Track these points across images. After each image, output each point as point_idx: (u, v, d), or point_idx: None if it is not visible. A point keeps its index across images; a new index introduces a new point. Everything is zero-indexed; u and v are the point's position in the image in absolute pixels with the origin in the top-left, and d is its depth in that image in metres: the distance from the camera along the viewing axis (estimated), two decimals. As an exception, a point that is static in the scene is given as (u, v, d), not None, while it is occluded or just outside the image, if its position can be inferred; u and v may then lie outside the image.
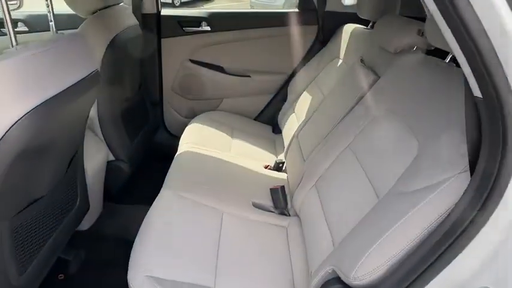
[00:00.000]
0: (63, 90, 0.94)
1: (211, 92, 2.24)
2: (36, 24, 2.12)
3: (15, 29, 2.05)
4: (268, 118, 2.27)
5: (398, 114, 1.04)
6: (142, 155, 1.98)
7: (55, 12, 1.94)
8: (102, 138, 1.59)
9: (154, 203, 1.28)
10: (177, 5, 10.64)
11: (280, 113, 2.10)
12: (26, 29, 2.13)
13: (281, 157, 1.82)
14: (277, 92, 2.24)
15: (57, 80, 0.93)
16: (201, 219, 1.25)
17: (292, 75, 2.17)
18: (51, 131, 0.94)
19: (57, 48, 0.94)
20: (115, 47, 1.54)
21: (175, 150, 1.82)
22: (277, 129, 2.15)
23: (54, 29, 1.08)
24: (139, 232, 1.16)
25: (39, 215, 1.02)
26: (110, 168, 1.65)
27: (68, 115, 1.01)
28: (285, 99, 2.19)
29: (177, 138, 2.32)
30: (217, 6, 12.19)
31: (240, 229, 1.27)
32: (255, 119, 2.29)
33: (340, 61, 1.76)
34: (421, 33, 1.22)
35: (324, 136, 1.35)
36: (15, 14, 2.14)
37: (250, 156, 1.75)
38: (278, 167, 1.70)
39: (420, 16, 1.37)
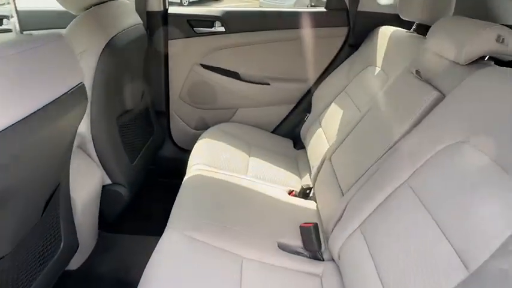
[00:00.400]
0: (34, 112, 0.69)
1: (225, 100, 1.99)
2: (24, 22, 1.88)
3: (0, 27, 1.82)
4: (288, 131, 2.01)
5: (483, 148, 0.78)
6: (144, 175, 1.73)
7: (49, 9, 1.69)
8: (97, 159, 1.34)
9: (157, 246, 1.02)
10: (185, 4, 10.44)
11: (303, 126, 1.84)
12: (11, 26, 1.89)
13: (306, 179, 1.56)
14: (299, 101, 1.98)
15: (26, 98, 0.68)
16: (216, 268, 1.00)
17: (317, 83, 1.91)
18: (16, 169, 0.69)
19: (27, 54, 0.69)
20: (113, 50, 1.29)
21: (184, 165, 1.57)
22: (299, 144, 1.89)
23: (18, 28, 0.83)
24: (140, 283, 0.92)
25: (2, 278, 0.77)
26: (106, 193, 1.39)
27: (43, 144, 0.76)
28: (308, 111, 1.93)
29: (185, 151, 2.07)
30: (227, 7, 11.94)
31: (265, 279, 1.02)
32: (272, 132, 2.03)
33: (378, 69, 1.49)
34: (501, 39, 0.95)
35: (368, 164, 1.08)
36: (1, 10, 1.91)
37: (271, 179, 1.49)
38: (305, 193, 1.43)
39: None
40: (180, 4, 10.35)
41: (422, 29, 1.48)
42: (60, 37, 0.81)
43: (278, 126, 2.04)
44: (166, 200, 1.91)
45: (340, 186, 1.18)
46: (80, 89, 0.86)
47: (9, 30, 1.90)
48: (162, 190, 2.00)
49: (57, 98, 0.77)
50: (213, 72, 1.94)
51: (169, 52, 1.87)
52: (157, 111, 1.95)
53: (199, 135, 1.96)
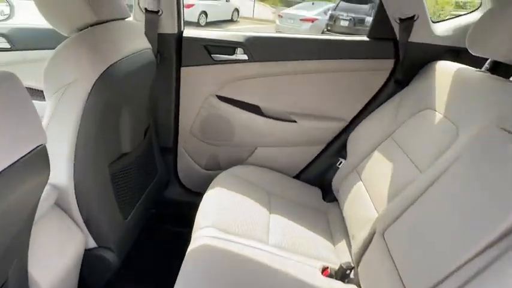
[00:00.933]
0: None
1: (242, 138, 1.70)
2: (21, 40, 1.65)
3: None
4: (316, 177, 1.70)
5: None
6: (142, 227, 1.43)
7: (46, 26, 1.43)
8: (79, 218, 1.05)
9: None
10: (202, 24, 10.42)
11: (336, 175, 1.53)
12: (7, 45, 1.65)
13: (343, 250, 1.24)
14: (329, 143, 1.68)
15: None
16: None
17: (353, 123, 1.61)
18: None
19: None
20: (110, 82, 1.01)
21: (191, 209, 1.32)
22: (329, 195, 1.58)
23: None
24: None
25: None
26: (89, 259, 1.09)
27: None
28: (340, 155, 1.63)
29: (193, 194, 1.79)
30: (243, 28, 11.98)
31: None
32: (296, 177, 1.73)
33: (439, 116, 1.18)
34: None
35: (456, 262, 0.75)
36: (-4, 27, 1.69)
37: (298, 249, 1.17)
38: (344, 274, 1.11)
39: None
40: (198, 24, 10.33)
41: (500, 69, 1.18)
42: (11, 78, 0.53)
43: (303, 170, 1.73)
44: (168, 254, 1.61)
45: (403, 283, 0.85)
46: (39, 154, 0.57)
47: (6, 49, 1.67)
48: (165, 240, 1.70)
49: (3, 170, 0.49)
50: (230, 105, 1.66)
51: (181, 81, 1.60)
52: (162, 147, 1.66)
53: (210, 176, 1.68)
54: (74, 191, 1.01)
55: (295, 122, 1.64)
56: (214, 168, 1.77)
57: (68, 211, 1.03)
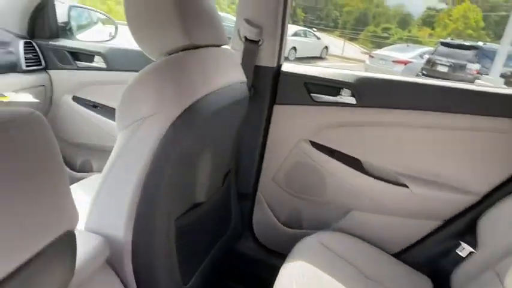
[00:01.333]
0: None
1: (334, 195, 1.40)
2: (115, 60, 1.61)
3: (91, 63, 1.54)
4: (425, 262, 1.31)
5: None
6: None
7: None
8: (132, 281, 0.84)
9: None
10: (291, 59, 10.52)
11: (460, 268, 1.14)
12: (103, 65, 1.63)
13: None
14: (449, 220, 1.29)
15: None
16: None
17: (486, 199, 1.21)
18: None
19: None
20: (194, 120, 0.82)
21: (264, 268, 1.20)
22: (444, 292, 1.18)
23: None
24: None
25: None
26: None
27: None
28: (464, 239, 1.23)
29: (267, 251, 1.52)
30: (332, 65, 11.82)
31: None
32: (398, 256, 1.35)
33: None
34: None
35: None
36: (94, 46, 1.68)
37: None
38: None
39: None
40: (287, 59, 10.46)
41: None
42: (36, 120, 0.34)
43: (408, 249, 1.36)
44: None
45: None
46: (65, 244, 0.37)
47: (102, 69, 1.65)
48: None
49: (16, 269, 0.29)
50: (326, 155, 1.39)
51: (272, 120, 1.39)
52: (240, 193, 1.44)
53: (288, 234, 1.43)
54: (130, 248, 0.82)
55: (405, 186, 1.30)
56: (295, 226, 1.49)
57: (120, 272, 0.83)
